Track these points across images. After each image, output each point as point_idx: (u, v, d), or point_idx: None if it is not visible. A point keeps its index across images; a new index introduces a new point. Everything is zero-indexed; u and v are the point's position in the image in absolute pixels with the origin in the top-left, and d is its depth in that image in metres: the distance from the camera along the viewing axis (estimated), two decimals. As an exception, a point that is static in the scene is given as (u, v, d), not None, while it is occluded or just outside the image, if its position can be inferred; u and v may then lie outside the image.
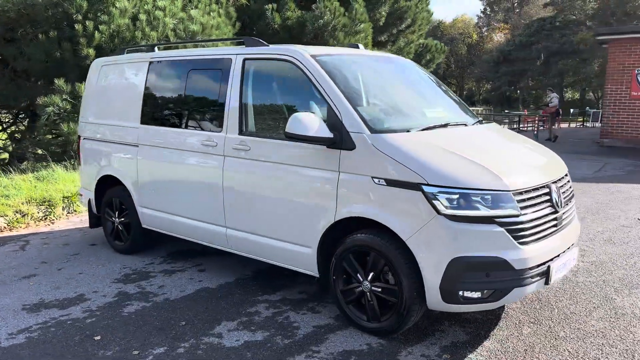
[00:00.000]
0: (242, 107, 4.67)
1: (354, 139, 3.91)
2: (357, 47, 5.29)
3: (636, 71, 15.46)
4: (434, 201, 3.55)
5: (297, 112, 4.28)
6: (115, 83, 6.05)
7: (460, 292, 3.57)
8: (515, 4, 55.40)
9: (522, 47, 42.81)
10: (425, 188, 3.58)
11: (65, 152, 10.55)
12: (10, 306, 4.66)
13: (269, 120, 4.61)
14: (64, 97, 9.84)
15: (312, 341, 3.92)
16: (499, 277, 3.54)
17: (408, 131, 4.03)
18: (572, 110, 35.86)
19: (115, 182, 6.02)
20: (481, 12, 62.15)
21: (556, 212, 3.93)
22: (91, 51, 10.04)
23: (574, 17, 40.56)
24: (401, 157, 3.72)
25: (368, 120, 3.97)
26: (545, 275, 3.73)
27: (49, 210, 7.81)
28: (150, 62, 5.59)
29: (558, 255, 3.86)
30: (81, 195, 6.62)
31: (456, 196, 3.54)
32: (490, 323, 4.20)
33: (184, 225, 5.28)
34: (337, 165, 4.00)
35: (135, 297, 4.81)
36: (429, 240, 3.58)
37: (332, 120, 4.02)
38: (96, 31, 10.04)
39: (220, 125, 4.80)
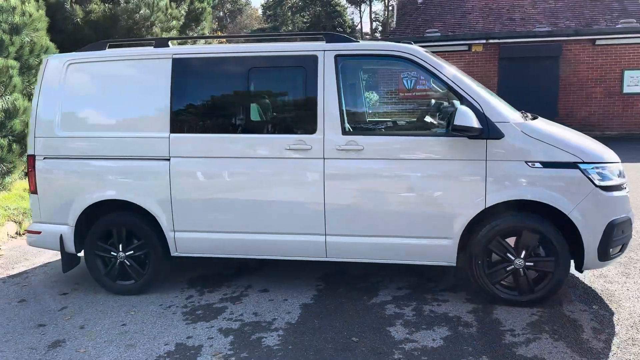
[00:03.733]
0: (342, 106, 4.43)
1: (501, 128, 4.20)
2: (411, 44, 5.41)
3: (402, 75, 18.39)
4: (590, 176, 4.14)
5: (415, 106, 4.32)
6: (103, 86, 4.85)
7: (610, 250, 4.25)
8: (227, 14, 58.07)
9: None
10: (582, 166, 4.15)
11: None
12: (116, 378, 3.51)
13: (385, 117, 4.50)
14: None
15: (492, 324, 4.10)
16: (627, 232, 4.35)
17: (534, 118, 4.51)
18: None
19: (114, 207, 4.86)
20: (192, 20, 63.25)
21: None
22: None
23: (287, 28, 44.81)
24: (554, 141, 4.20)
25: (505, 110, 4.31)
26: None
27: None
28: (175, 59, 4.69)
29: None
30: (37, 233, 5.05)
31: (600, 170, 4.20)
32: (579, 277, 4.97)
33: (251, 243, 4.66)
34: (483, 154, 4.23)
35: (249, 331, 4.12)
36: (588, 210, 4.16)
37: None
38: None
39: (312, 127, 4.44)
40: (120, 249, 4.89)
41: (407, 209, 4.38)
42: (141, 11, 12.40)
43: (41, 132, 4.92)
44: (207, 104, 4.75)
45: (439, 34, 18.74)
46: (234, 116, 4.67)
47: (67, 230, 4.92)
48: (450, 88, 4.32)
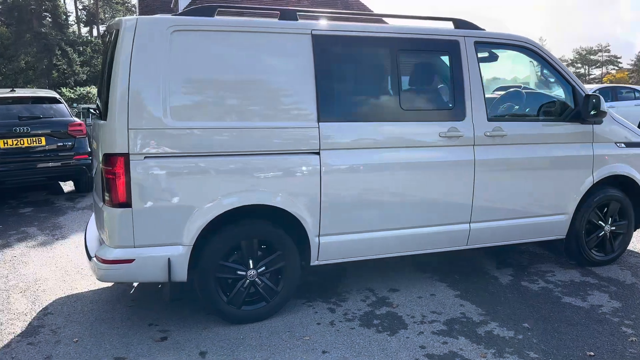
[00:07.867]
0: (484, 92, 4.51)
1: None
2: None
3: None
4: (650, 153, 5.22)
5: (536, 95, 4.79)
6: (223, 63, 3.79)
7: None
8: None
9: None
10: (644, 145, 5.19)
11: None
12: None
13: (520, 104, 4.70)
14: None
15: (614, 281, 4.81)
16: None
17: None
18: None
19: (236, 216, 3.90)
20: None
21: None
22: None
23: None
24: (629, 125, 5.13)
25: (594, 99, 5.04)
26: None
27: None
28: (316, 36, 3.99)
29: None
30: (127, 262, 3.65)
31: (647, 147, 5.32)
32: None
33: (397, 239, 4.34)
34: (591, 137, 4.88)
35: (461, 329, 3.92)
36: (648, 180, 5.22)
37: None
38: None
39: (462, 114, 4.40)
40: (251, 266, 3.95)
41: (544, 190, 4.72)
42: None
43: (139, 122, 3.59)
44: (356, 88, 4.20)
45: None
46: (386, 102, 4.24)
47: (181, 252, 3.73)
48: (564, 78, 4.82)
